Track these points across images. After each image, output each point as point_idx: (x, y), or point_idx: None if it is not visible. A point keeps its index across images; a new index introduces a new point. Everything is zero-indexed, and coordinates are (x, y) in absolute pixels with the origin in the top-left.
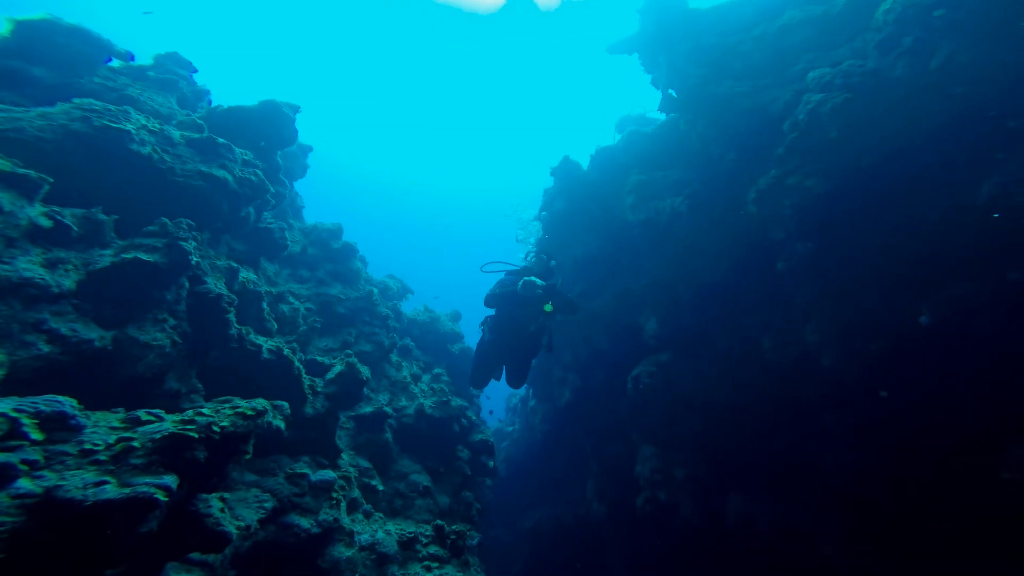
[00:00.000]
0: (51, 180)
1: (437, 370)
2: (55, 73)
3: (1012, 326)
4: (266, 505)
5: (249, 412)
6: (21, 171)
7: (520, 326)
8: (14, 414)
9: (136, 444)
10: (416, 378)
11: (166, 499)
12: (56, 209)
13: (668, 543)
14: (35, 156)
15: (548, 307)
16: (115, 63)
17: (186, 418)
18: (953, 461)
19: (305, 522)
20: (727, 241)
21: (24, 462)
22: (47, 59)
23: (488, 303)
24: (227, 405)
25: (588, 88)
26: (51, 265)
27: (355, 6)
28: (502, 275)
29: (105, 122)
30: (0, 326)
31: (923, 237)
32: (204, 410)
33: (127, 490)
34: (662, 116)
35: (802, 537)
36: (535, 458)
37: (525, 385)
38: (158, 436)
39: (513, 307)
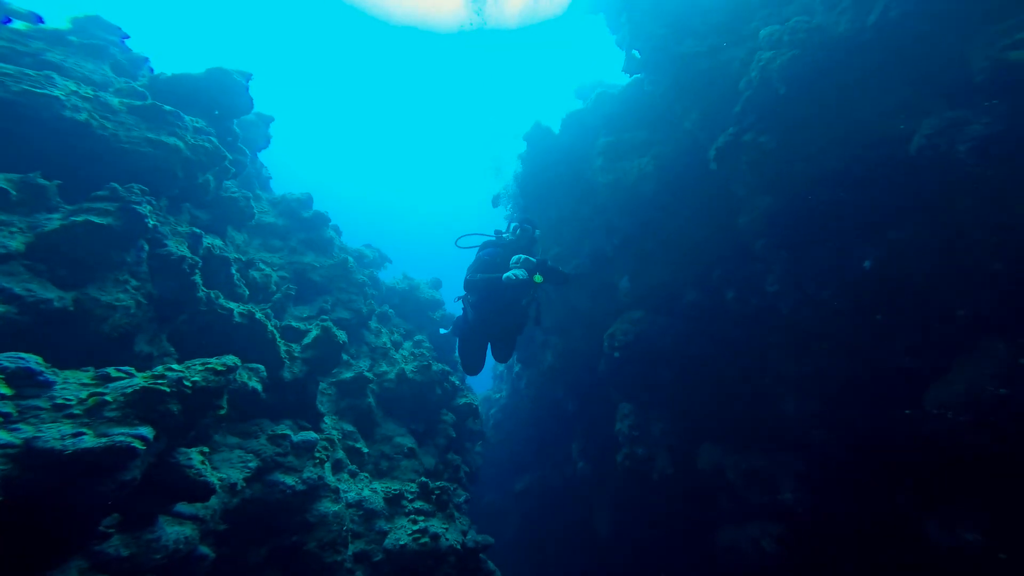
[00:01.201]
0: None
1: (418, 337)
2: None
3: (942, 269)
4: (250, 465)
5: (219, 368)
6: None
7: (507, 303)
8: None
9: (108, 399)
10: (397, 345)
11: (143, 447)
12: None
13: (646, 494)
14: None
15: (538, 278)
16: (18, 24)
17: (156, 373)
18: (886, 402)
19: (290, 479)
20: (692, 198)
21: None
22: None
23: (469, 288)
24: (197, 362)
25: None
26: None
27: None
28: (477, 250)
29: (24, 87)
30: None
31: (866, 188)
32: (174, 366)
33: (104, 440)
34: (619, 82)
35: (765, 482)
36: (523, 422)
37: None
38: (129, 391)
39: (500, 290)
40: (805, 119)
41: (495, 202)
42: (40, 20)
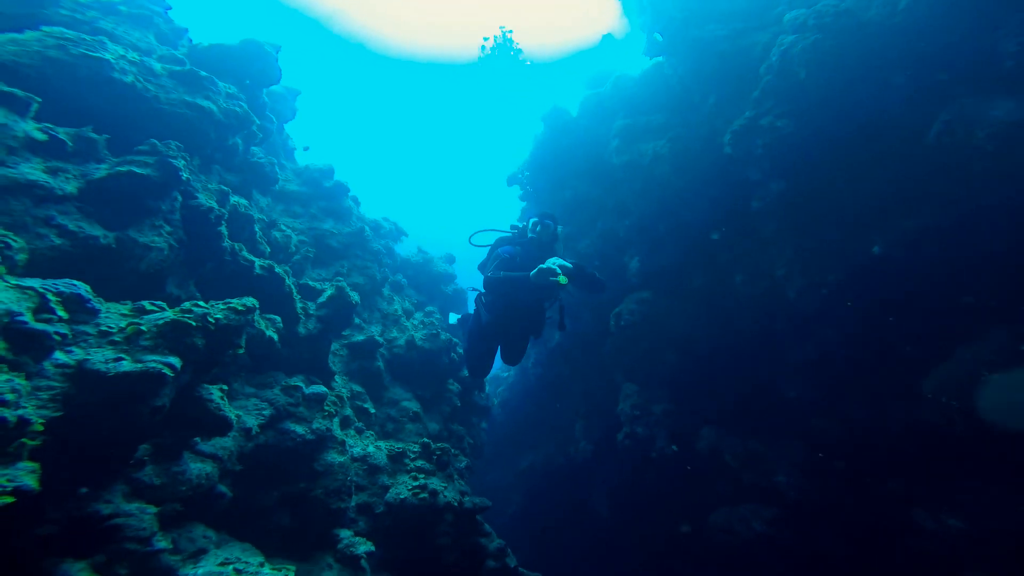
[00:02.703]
0: (39, 99)
1: (430, 308)
2: (14, 2)
3: (952, 256)
4: (264, 413)
5: (240, 308)
6: (7, 88)
7: (529, 305)
8: (41, 289)
9: (144, 328)
10: (408, 314)
11: (172, 374)
12: (49, 125)
13: (645, 474)
14: (15, 79)
15: (563, 279)
16: None
17: (184, 308)
18: (885, 389)
19: (300, 428)
20: (706, 182)
21: (57, 334)
22: None
23: (490, 287)
24: (220, 302)
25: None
26: (52, 172)
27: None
28: (491, 247)
29: (82, 51)
30: (16, 219)
31: (881, 174)
32: (200, 303)
33: (140, 365)
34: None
35: (761, 466)
36: (529, 401)
37: None
38: (161, 322)
39: (523, 292)
40: (824, 104)
41: (511, 181)
42: None
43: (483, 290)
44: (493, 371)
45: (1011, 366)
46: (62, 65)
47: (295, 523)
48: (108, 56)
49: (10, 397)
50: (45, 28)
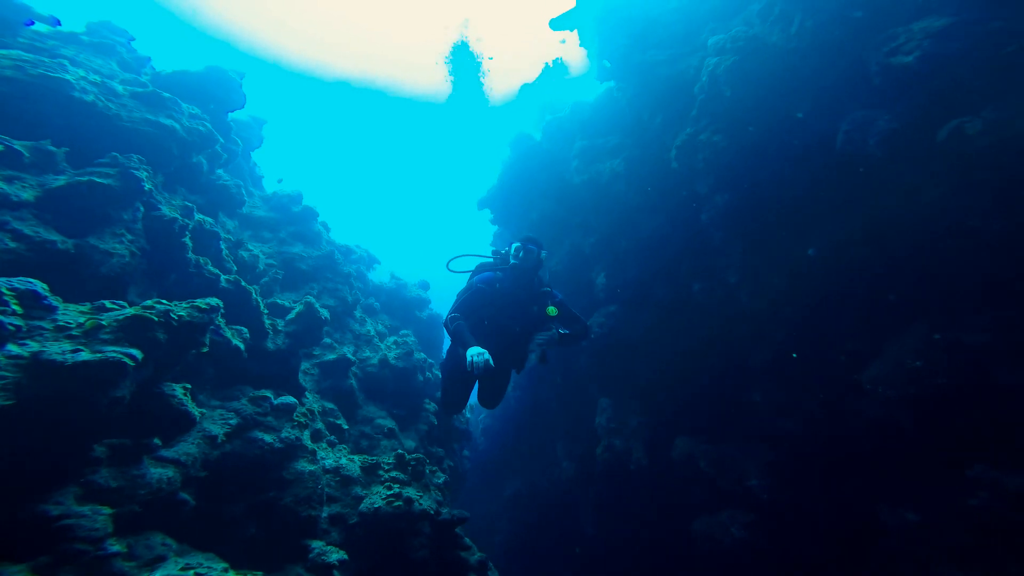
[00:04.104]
0: None
1: (404, 331)
2: None
3: (873, 256)
4: (231, 422)
5: (203, 306)
6: None
7: (511, 338)
8: None
9: (104, 323)
10: (382, 336)
11: (133, 364)
12: (5, 137)
13: (625, 488)
14: None
15: (552, 310)
16: (39, 27)
17: (147, 305)
18: (836, 386)
19: (268, 437)
20: (660, 197)
21: (12, 325)
22: None
23: (446, 326)
24: (184, 301)
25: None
26: (7, 180)
27: None
28: (471, 274)
29: (41, 71)
30: None
31: (806, 180)
32: (163, 301)
33: (99, 355)
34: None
35: (734, 471)
36: (511, 425)
37: None
38: (122, 317)
39: (504, 314)
40: (750, 119)
41: (481, 205)
42: (58, 23)
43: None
44: (473, 400)
45: (929, 353)
46: (19, 85)
47: (264, 533)
48: (68, 76)
49: None
50: (2, 51)
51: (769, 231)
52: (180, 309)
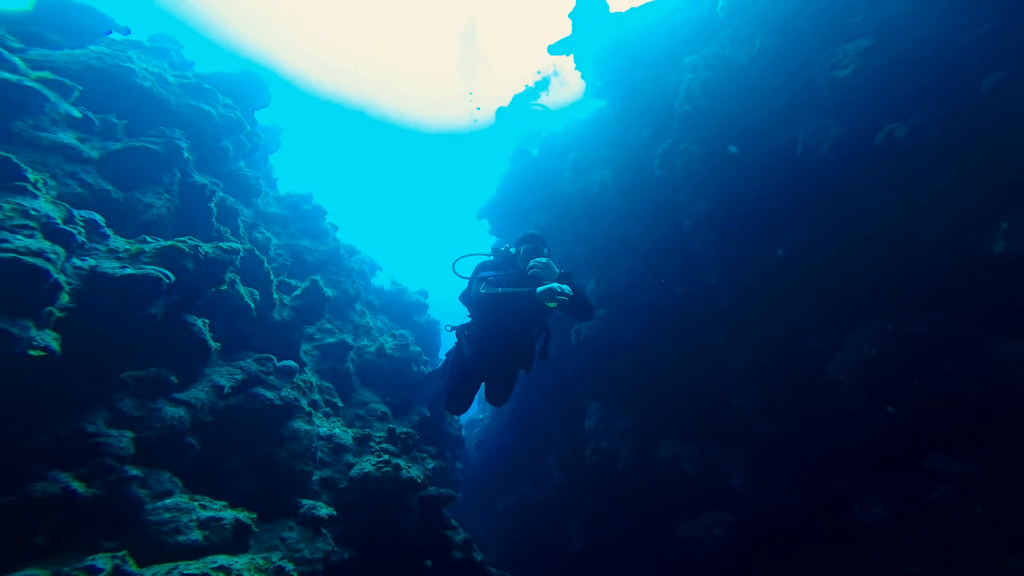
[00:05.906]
0: (80, 88)
1: (401, 331)
2: (66, 38)
3: (837, 256)
4: (237, 377)
5: (226, 247)
6: (59, 77)
7: (517, 337)
8: (68, 207)
9: (146, 249)
10: (380, 331)
11: (167, 281)
12: (84, 108)
13: (614, 491)
14: (65, 76)
15: (552, 304)
16: (115, 36)
17: (180, 239)
18: (806, 382)
19: (270, 394)
20: (647, 206)
21: (79, 237)
22: (60, 27)
23: (486, 305)
24: (208, 242)
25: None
26: (81, 140)
27: None
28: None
29: (115, 62)
30: (51, 169)
31: (772, 188)
32: (193, 238)
33: (141, 271)
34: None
35: (717, 471)
36: (504, 438)
37: None
38: (160, 246)
39: (518, 315)
40: (722, 129)
41: (480, 215)
42: (128, 32)
43: (468, 319)
44: (469, 413)
45: (883, 343)
46: (98, 71)
47: (260, 488)
48: (134, 67)
49: (52, 257)
50: (91, 47)
51: (743, 234)
52: (207, 246)
